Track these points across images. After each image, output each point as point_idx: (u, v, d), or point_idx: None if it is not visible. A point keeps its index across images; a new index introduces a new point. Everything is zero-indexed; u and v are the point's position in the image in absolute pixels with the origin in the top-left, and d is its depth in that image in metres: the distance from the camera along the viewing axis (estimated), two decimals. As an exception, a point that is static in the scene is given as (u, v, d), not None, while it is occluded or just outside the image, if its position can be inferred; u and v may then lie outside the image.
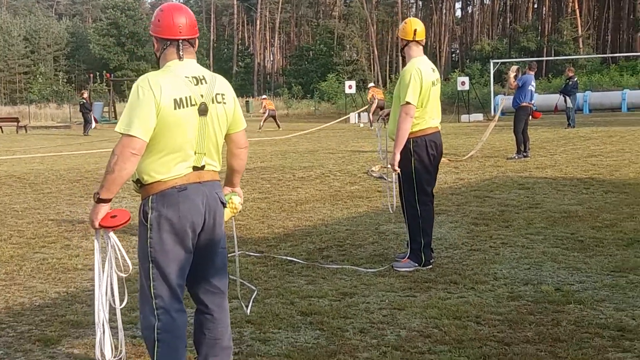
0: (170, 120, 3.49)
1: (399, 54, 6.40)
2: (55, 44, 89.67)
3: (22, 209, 10.09)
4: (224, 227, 3.80)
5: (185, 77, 3.60)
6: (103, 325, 3.73)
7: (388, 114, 6.67)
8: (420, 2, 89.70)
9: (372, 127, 30.72)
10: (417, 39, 6.33)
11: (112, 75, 53.78)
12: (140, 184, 3.63)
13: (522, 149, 15.30)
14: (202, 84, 3.63)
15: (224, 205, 3.79)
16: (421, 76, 6.08)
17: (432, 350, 4.30)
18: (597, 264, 6.16)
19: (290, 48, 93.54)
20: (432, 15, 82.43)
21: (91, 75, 53.73)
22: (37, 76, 76.90)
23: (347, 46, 74.58)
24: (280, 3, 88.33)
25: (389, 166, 6.47)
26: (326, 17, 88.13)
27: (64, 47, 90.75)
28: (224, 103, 3.71)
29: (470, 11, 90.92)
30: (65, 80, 77.58)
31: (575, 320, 4.70)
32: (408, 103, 6.03)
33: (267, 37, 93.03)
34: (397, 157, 6.13)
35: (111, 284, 3.67)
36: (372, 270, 6.23)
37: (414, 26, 6.35)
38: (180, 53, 3.65)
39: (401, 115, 6.07)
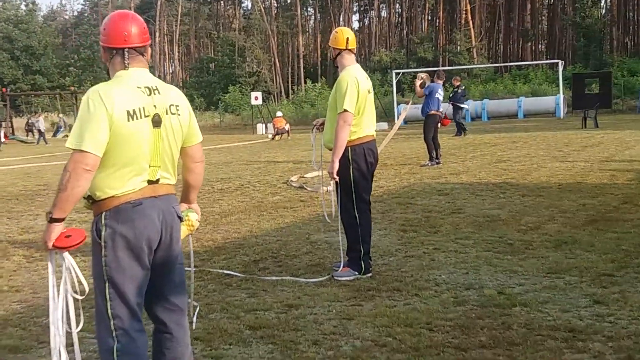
0: (123, 132, 3.33)
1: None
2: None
3: None
4: (180, 242, 3.66)
5: (138, 87, 3.45)
6: (59, 351, 3.50)
7: (323, 123, 6.62)
8: (319, 15, 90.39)
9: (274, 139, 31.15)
10: (349, 48, 6.32)
11: (8, 90, 51.67)
12: (92, 200, 3.44)
13: (434, 155, 15.57)
14: (155, 94, 3.49)
15: (180, 219, 3.66)
16: (358, 84, 6.07)
17: (391, 359, 4.27)
18: (532, 267, 6.28)
19: (191, 60, 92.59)
20: (330, 27, 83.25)
21: (-15, 90, 51.64)
22: None
23: (249, 58, 74.39)
24: (179, 15, 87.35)
25: (319, 175, 6.42)
26: (226, 29, 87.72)
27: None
28: (179, 114, 3.58)
29: (367, 23, 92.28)
30: (-44, 96, 74.11)
31: (525, 323, 4.75)
32: (346, 111, 6.00)
33: (167, 50, 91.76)
34: (336, 166, 6.08)
35: (67, 308, 3.45)
36: (313, 280, 6.16)
37: (346, 35, 6.34)
38: (126, 62, 3.50)
39: (339, 123, 6.03)
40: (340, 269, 6.31)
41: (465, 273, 6.19)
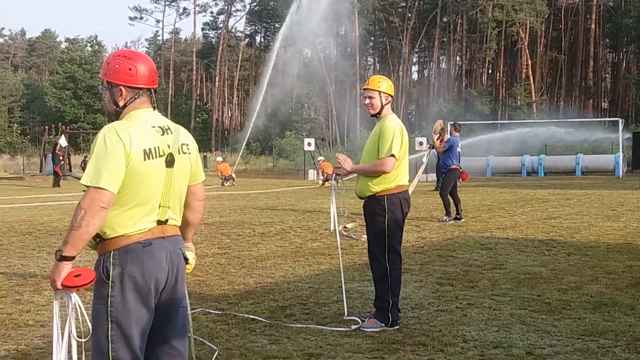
0: (138, 171, 3.31)
1: (369, 111, 6.33)
2: (11, 95, 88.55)
3: (-29, 261, 9.67)
4: (185, 284, 3.60)
5: (152, 126, 3.45)
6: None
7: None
8: (378, 65, 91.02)
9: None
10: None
11: (68, 127, 53.03)
12: (99, 239, 3.39)
13: (450, 211, 14.94)
14: (167, 134, 3.49)
15: (186, 261, 3.61)
16: (402, 133, 6.05)
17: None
18: (566, 327, 6.04)
19: (249, 105, 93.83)
20: (389, 77, 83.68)
21: (47, 127, 53.14)
22: (-9, 127, 75.77)
23: (306, 105, 75.04)
24: (240, 61, 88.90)
25: (342, 228, 6.34)
26: (285, 76, 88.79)
27: (19, 99, 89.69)
28: (189, 153, 3.59)
29: (426, 74, 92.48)
30: (19, 132, 76.52)
31: (550, 386, 4.54)
32: (393, 156, 5.96)
33: (226, 94, 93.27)
34: (347, 171, 6.21)
35: (69, 350, 3.38)
36: (338, 329, 6.02)
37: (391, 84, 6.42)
38: (153, 102, 3.56)
39: (382, 163, 5.96)
40: (368, 320, 6.16)
41: (496, 331, 5.98)
